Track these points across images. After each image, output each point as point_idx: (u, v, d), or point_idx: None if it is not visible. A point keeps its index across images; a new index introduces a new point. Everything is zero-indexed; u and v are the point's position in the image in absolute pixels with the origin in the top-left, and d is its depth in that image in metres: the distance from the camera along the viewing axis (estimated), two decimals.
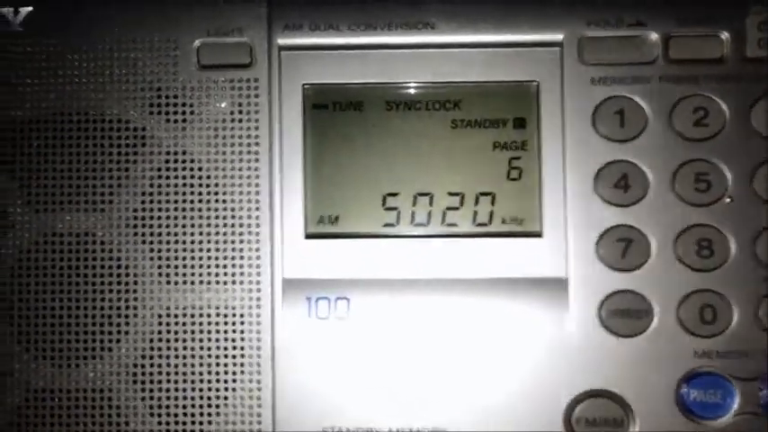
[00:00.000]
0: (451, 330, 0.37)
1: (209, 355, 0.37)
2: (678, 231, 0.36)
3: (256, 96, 0.37)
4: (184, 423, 0.37)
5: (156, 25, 0.38)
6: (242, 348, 0.37)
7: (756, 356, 0.36)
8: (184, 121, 0.37)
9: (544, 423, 0.36)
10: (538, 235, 0.37)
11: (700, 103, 0.36)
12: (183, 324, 0.37)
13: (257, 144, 0.37)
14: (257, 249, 0.37)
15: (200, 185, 0.37)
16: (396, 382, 0.37)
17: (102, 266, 0.37)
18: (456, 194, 0.37)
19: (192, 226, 0.37)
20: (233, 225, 0.37)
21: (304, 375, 0.37)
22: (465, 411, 0.36)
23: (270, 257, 0.37)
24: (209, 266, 0.37)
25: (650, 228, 0.36)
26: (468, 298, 0.37)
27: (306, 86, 0.38)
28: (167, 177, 0.37)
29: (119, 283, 0.37)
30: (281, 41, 0.38)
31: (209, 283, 0.37)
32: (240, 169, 0.37)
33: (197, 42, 0.38)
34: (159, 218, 0.37)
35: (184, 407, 0.37)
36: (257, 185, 0.37)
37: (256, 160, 0.37)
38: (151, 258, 0.37)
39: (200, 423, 0.37)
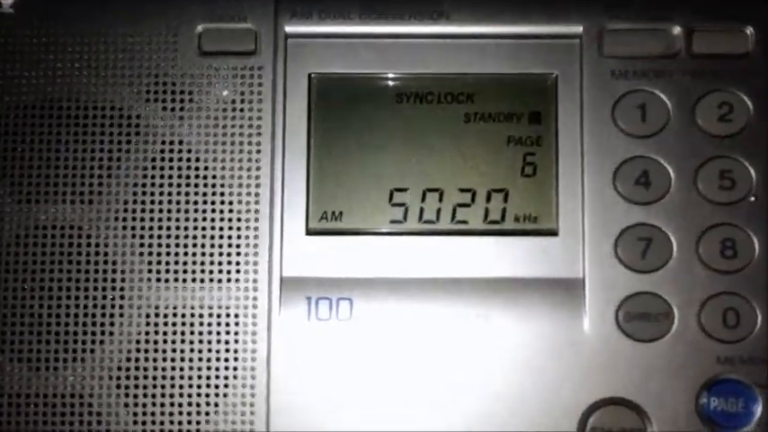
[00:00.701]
0: (460, 333, 0.36)
1: (200, 359, 0.36)
2: (701, 231, 0.36)
3: (260, 85, 0.37)
4: (171, 431, 0.36)
5: (157, 8, 0.38)
6: (235, 351, 0.36)
7: None
8: (182, 109, 0.37)
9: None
10: (553, 233, 0.37)
11: (724, 99, 0.37)
12: (173, 325, 0.36)
13: (259, 135, 0.37)
14: (255, 246, 0.37)
15: (197, 177, 0.37)
16: (401, 389, 0.36)
17: (88, 262, 0.37)
18: (467, 191, 0.37)
19: (187, 220, 0.37)
20: (230, 219, 0.37)
21: (301, 382, 0.36)
22: (473, 418, 0.36)
23: (268, 254, 0.37)
24: (202, 263, 0.36)
25: (671, 227, 0.36)
26: (478, 299, 0.36)
27: (312, 76, 0.38)
28: (161, 168, 0.37)
29: (104, 279, 0.37)
30: (288, 29, 0.38)
31: (202, 281, 0.36)
32: (240, 161, 0.37)
33: (199, 28, 0.38)
34: (151, 211, 0.37)
35: (171, 414, 0.36)
36: (257, 178, 0.37)
37: (258, 152, 0.37)
38: (140, 254, 0.37)
39: (188, 431, 0.36)
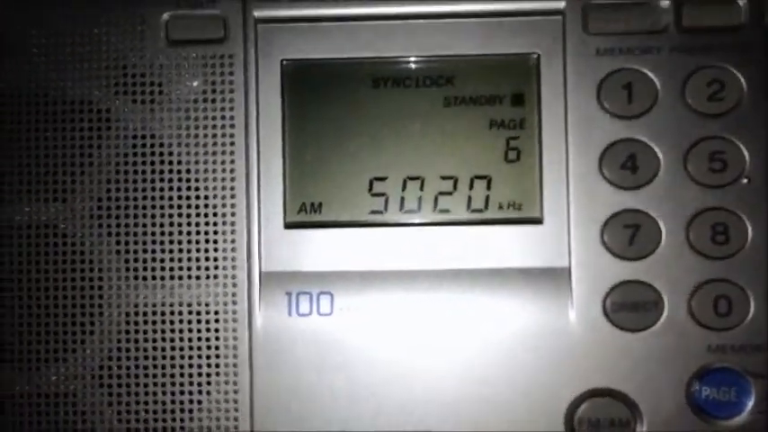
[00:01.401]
0: (444, 326, 0.37)
1: (182, 356, 0.37)
2: (691, 216, 0.36)
3: (231, 74, 0.38)
4: (155, 429, 0.37)
5: None
6: (217, 348, 0.37)
7: None
8: (152, 101, 0.38)
9: (544, 424, 0.36)
10: (538, 221, 0.37)
11: (715, 76, 0.36)
12: (153, 323, 0.37)
13: (232, 126, 0.37)
14: (233, 241, 0.37)
15: (170, 172, 0.37)
16: (383, 383, 0.37)
17: (65, 261, 0.37)
18: (449, 178, 0.38)
19: (162, 216, 0.37)
20: (206, 215, 0.37)
21: (284, 377, 0.37)
22: (456, 412, 0.36)
23: (246, 249, 0.37)
24: (180, 260, 0.37)
25: (660, 212, 0.36)
26: (462, 291, 0.37)
27: (285, 62, 0.38)
28: (134, 164, 0.37)
29: (82, 279, 0.37)
30: (258, 13, 0.38)
31: (180, 278, 0.37)
32: (214, 153, 0.37)
33: (165, 15, 0.38)
34: (126, 207, 0.37)
35: (155, 412, 0.37)
36: (232, 171, 0.37)
37: (231, 144, 0.37)
38: (117, 252, 0.37)
39: (172, 429, 0.37)
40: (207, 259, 0.37)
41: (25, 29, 0.38)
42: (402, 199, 0.38)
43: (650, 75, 0.37)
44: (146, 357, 0.37)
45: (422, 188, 0.38)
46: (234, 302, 0.37)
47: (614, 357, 0.36)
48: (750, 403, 0.36)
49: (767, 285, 0.36)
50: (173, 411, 0.37)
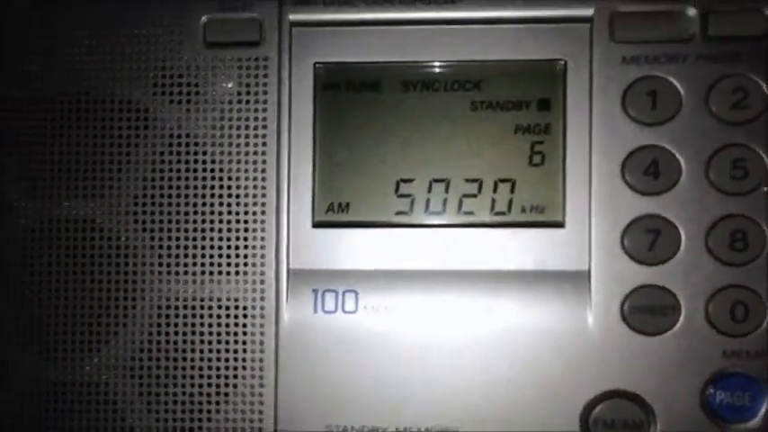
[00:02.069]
0: (465, 325, 0.38)
1: (210, 350, 0.39)
2: (711, 222, 0.37)
3: (265, 76, 0.39)
4: (183, 420, 0.39)
5: (162, 0, 0.40)
6: (244, 343, 0.39)
7: None
8: (189, 102, 0.39)
9: (560, 424, 0.37)
10: (560, 225, 0.38)
11: (739, 84, 0.37)
12: (184, 316, 0.39)
13: (265, 127, 0.39)
14: (262, 238, 0.39)
15: (204, 170, 0.39)
16: (405, 380, 0.38)
17: (101, 255, 0.39)
18: (473, 181, 0.39)
19: (195, 213, 0.39)
20: (237, 213, 0.39)
21: (308, 372, 0.39)
22: (476, 411, 0.38)
23: (275, 247, 0.39)
24: (211, 256, 0.39)
25: (681, 218, 0.37)
26: (483, 291, 0.38)
27: (318, 65, 0.40)
28: (170, 162, 0.39)
29: (117, 272, 0.39)
30: (293, 17, 0.40)
31: (211, 273, 0.39)
32: (246, 153, 0.39)
33: (204, 18, 0.40)
34: (161, 204, 0.39)
35: (183, 403, 0.39)
36: (264, 171, 0.39)
37: (264, 144, 0.39)
38: (151, 247, 0.39)
39: (200, 420, 0.39)
40: (237, 256, 0.39)
41: (70, 30, 0.40)
42: (427, 201, 0.39)
43: (675, 82, 0.38)
44: (176, 350, 0.39)
45: (447, 190, 0.39)
46: (262, 298, 0.39)
47: (631, 360, 0.37)
48: (763, 408, 0.37)
49: None
50: (200, 403, 0.39)
